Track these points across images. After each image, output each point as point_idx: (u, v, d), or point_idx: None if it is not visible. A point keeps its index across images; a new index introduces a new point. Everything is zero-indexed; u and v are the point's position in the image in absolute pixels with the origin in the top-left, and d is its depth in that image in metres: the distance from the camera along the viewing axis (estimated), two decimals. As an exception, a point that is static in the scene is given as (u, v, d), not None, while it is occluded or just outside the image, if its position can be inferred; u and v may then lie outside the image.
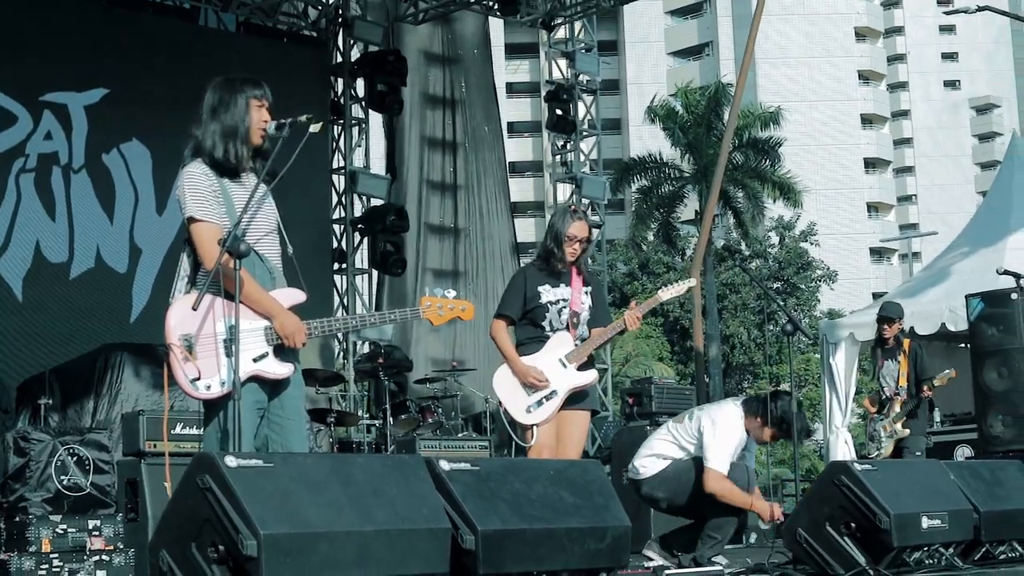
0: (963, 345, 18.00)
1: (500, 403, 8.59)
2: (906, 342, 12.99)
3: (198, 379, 5.94)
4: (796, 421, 9.53)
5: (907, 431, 12.73)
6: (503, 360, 8.63)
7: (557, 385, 8.50)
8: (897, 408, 12.76)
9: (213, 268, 5.91)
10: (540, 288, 8.67)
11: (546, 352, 8.56)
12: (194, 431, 9.93)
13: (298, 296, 6.26)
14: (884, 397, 12.93)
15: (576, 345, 8.60)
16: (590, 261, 21.26)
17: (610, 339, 8.97)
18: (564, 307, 8.63)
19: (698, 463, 9.45)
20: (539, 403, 8.48)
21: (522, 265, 8.90)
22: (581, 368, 8.61)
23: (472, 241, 21.67)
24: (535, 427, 8.46)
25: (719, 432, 9.39)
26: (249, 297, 5.97)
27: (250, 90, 6.23)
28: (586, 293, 8.74)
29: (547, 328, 8.62)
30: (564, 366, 8.54)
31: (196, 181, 6.10)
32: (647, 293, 51.93)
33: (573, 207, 9.15)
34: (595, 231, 22.07)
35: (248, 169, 6.26)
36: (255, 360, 6.02)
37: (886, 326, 12.98)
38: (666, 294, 8.90)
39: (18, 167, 16.67)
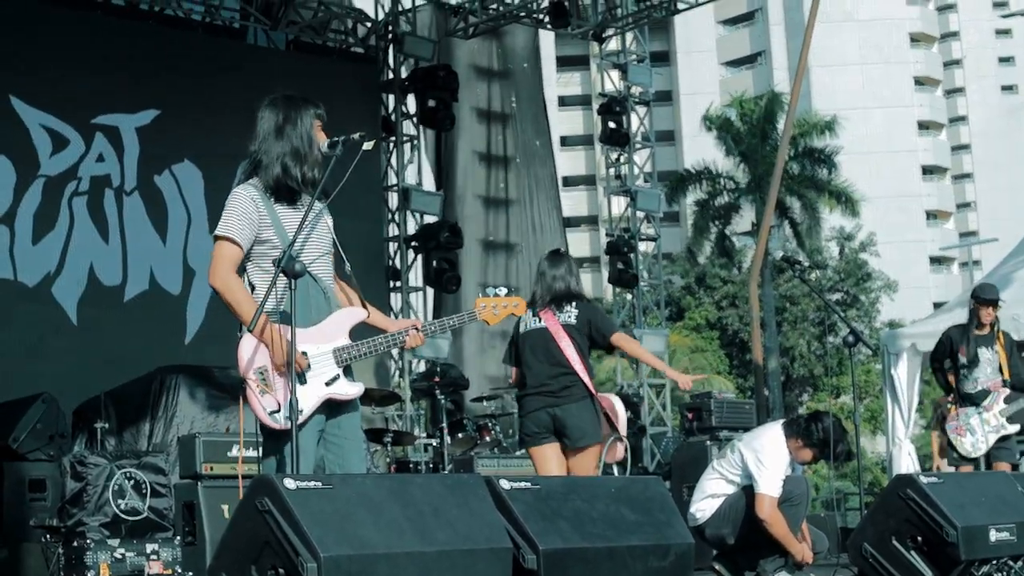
0: (1027, 353, 17.74)
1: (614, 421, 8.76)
2: (1000, 331, 11.81)
3: (277, 411, 5.84)
4: (840, 443, 9.37)
5: (1015, 427, 11.51)
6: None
7: None
8: (1002, 401, 11.49)
9: (217, 285, 5.89)
10: None
11: None
12: (251, 453, 9.87)
13: (358, 314, 6.16)
14: (979, 388, 11.56)
15: None
16: (646, 275, 21.62)
17: None
18: None
19: (749, 491, 9.30)
20: None
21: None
22: None
23: (525, 256, 21.63)
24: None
25: (765, 457, 9.24)
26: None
27: (312, 109, 6.11)
28: None
29: None
30: None
31: (238, 203, 5.97)
32: (703, 308, 51.72)
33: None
34: (650, 244, 22.16)
35: (303, 191, 6.12)
36: (327, 384, 5.94)
37: (990, 309, 11.60)
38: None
39: (71, 190, 16.74)
